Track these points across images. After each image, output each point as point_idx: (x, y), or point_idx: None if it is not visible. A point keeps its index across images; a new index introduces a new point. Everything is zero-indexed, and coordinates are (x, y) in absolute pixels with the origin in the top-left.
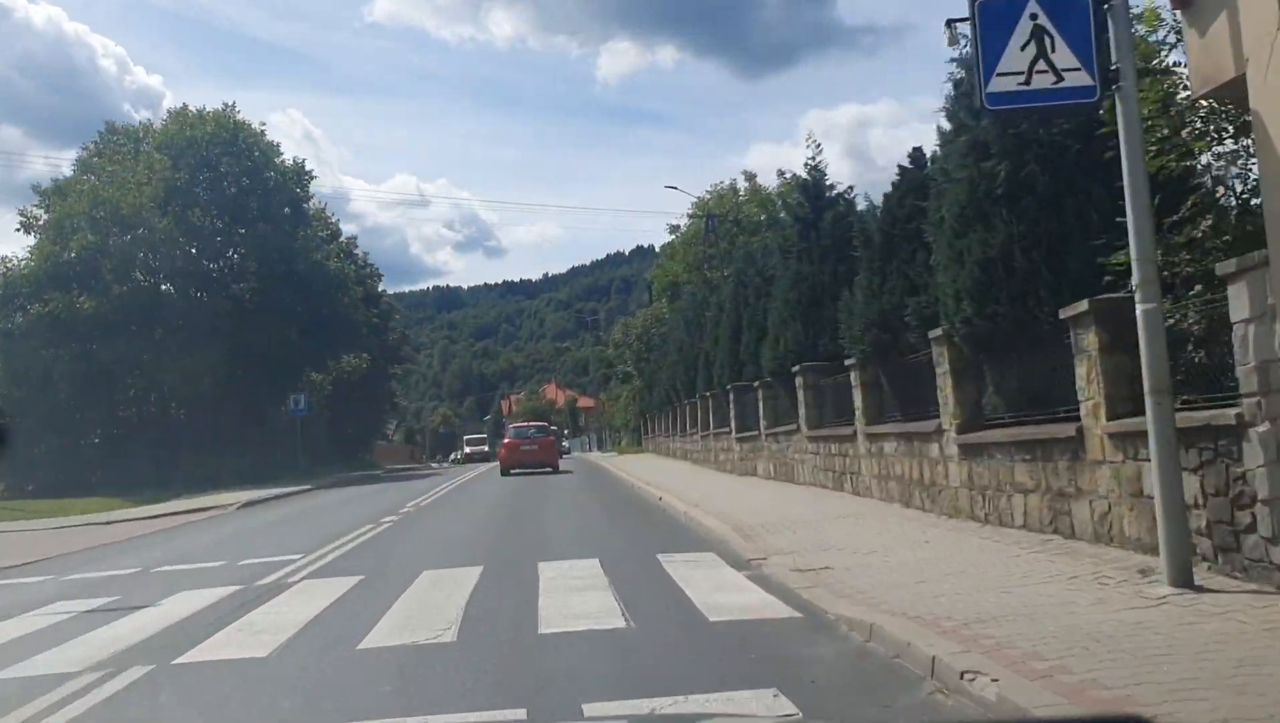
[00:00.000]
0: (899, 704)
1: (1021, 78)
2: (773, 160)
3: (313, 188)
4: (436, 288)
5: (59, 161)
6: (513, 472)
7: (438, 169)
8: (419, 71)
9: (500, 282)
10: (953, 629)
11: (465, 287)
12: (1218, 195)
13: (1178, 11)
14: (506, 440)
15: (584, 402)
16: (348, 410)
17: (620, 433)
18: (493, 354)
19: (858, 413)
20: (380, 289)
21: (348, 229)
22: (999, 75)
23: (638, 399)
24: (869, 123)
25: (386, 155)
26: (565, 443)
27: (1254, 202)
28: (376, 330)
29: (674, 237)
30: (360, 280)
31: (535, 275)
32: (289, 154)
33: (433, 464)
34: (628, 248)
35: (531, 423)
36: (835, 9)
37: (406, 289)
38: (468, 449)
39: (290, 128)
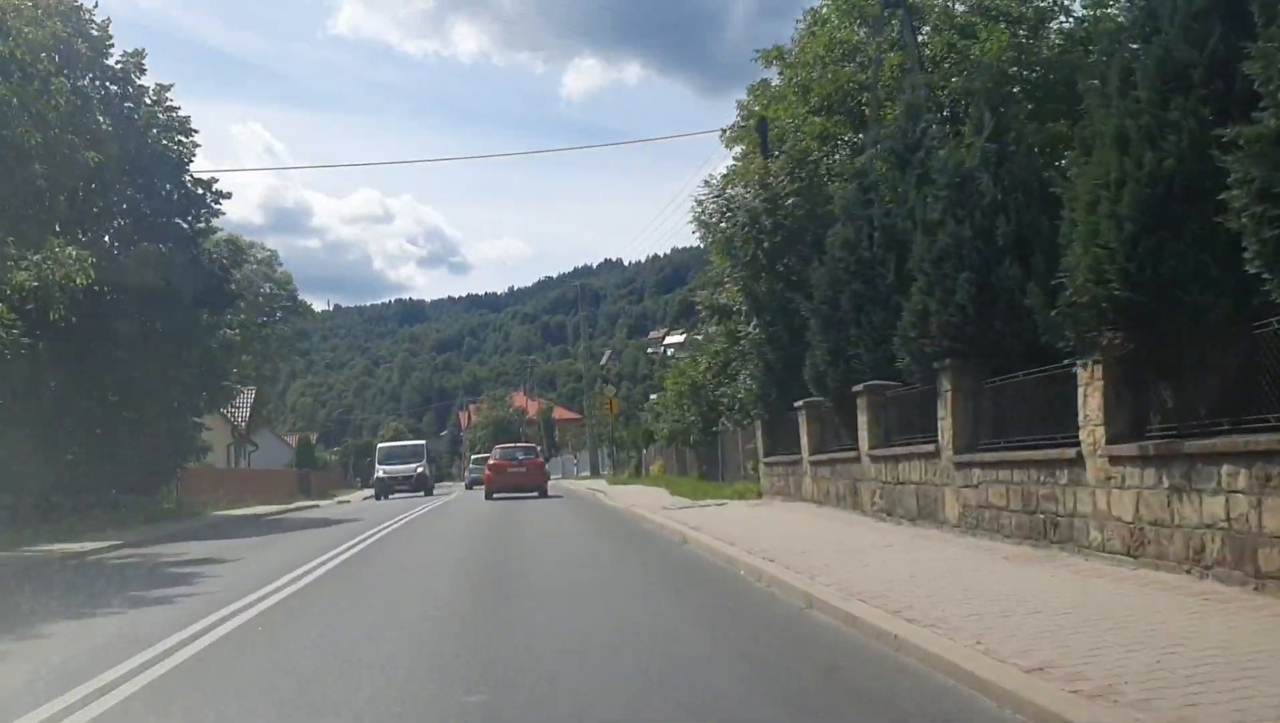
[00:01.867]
0: None
1: None
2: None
3: None
4: (399, 301)
5: None
6: (497, 496)
7: (402, 184)
8: (382, 86)
9: (464, 295)
10: None
11: (428, 300)
12: None
13: None
14: (493, 461)
15: (562, 413)
16: (118, 398)
17: (647, 450)
18: (455, 367)
19: None
20: (187, 174)
21: (309, 244)
22: None
23: (748, 368)
24: None
25: (350, 170)
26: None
27: None
28: (176, 237)
29: (775, 69)
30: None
31: (501, 290)
32: None
33: (322, 504)
34: (595, 261)
35: (518, 444)
36: (786, 29)
37: (368, 302)
38: (383, 471)
39: (252, 140)
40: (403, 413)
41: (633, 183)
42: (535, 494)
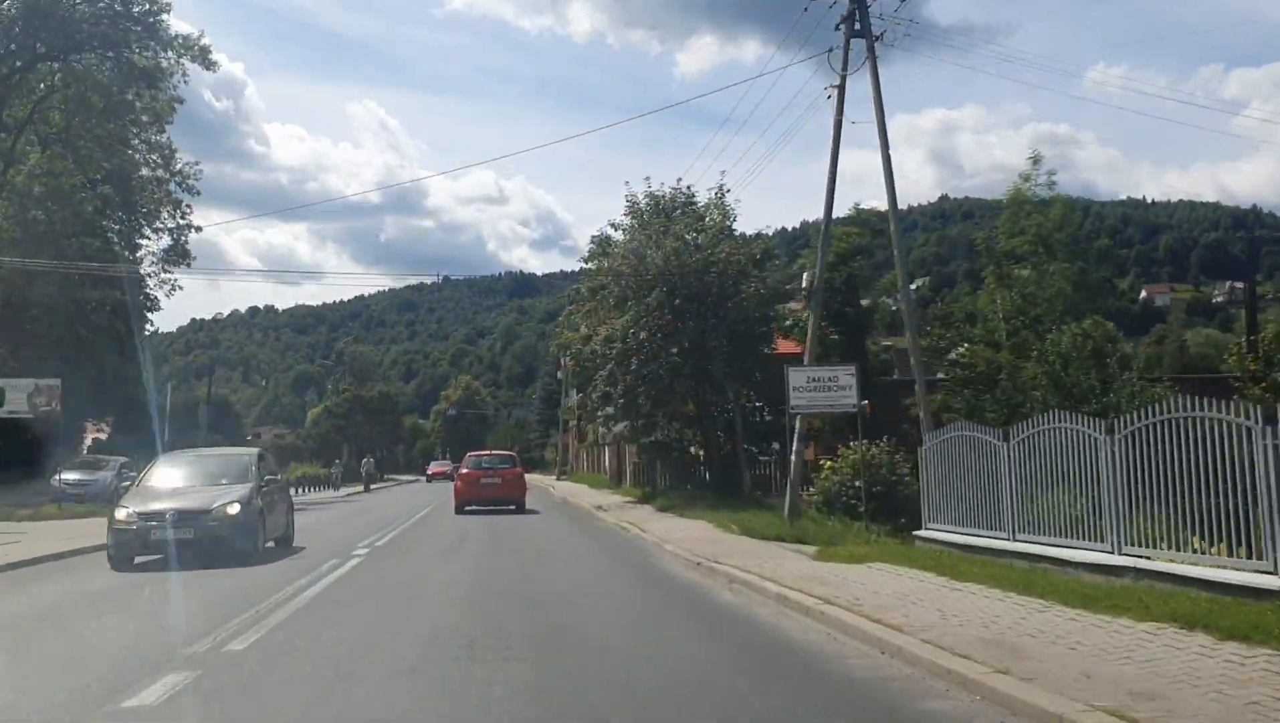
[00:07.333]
0: None
1: None
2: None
3: None
4: (508, 273)
5: None
6: (469, 509)
7: (514, 166)
8: (496, 67)
9: (577, 269)
10: None
11: (540, 274)
12: None
13: None
14: (463, 471)
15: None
16: None
17: None
18: None
19: None
20: None
21: (424, 223)
22: None
23: None
24: (955, 128)
25: (464, 151)
26: None
27: None
28: None
29: None
30: None
31: None
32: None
33: None
34: None
35: (494, 451)
36: (928, 6)
37: (478, 275)
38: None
39: (367, 119)
40: (502, 385)
41: (744, 166)
42: (512, 508)
